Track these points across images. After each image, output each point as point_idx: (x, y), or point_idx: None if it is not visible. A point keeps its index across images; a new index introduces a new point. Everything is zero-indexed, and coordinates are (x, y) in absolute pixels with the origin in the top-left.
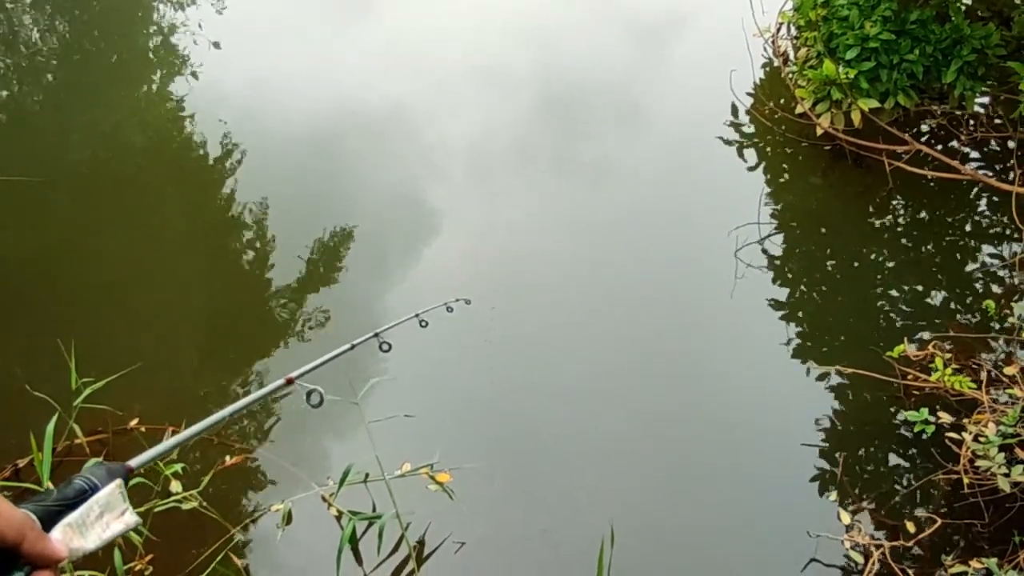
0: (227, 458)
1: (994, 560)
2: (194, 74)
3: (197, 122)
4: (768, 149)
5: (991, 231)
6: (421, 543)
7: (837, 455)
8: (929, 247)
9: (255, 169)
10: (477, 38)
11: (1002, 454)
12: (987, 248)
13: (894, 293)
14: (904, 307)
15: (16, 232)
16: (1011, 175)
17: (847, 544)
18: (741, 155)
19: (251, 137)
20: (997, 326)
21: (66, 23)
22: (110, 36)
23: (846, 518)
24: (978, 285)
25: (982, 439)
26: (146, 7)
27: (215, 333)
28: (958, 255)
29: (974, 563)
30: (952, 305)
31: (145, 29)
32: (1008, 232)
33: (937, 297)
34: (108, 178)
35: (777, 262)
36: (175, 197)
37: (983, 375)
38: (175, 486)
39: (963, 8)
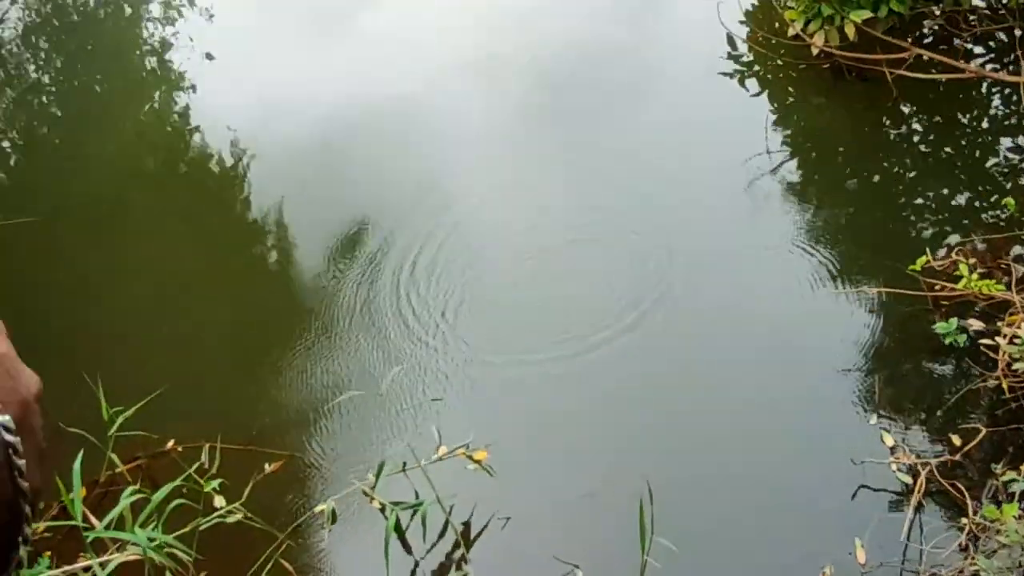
0: (266, 466)
1: None
2: (193, 88)
3: (204, 135)
4: (768, 76)
5: (1006, 124)
6: (467, 525)
7: (874, 376)
8: (947, 150)
9: (269, 175)
10: (468, 26)
11: None
12: (1006, 142)
13: (918, 202)
14: (930, 215)
15: (31, 271)
16: (1021, 66)
17: (893, 467)
18: (743, 84)
19: (261, 143)
20: None
21: (59, 55)
22: (104, 62)
23: (889, 440)
24: (1003, 180)
25: (1017, 340)
26: (135, 29)
27: (241, 345)
28: (977, 153)
29: None
30: (977, 204)
31: (137, 50)
32: None
33: (961, 199)
34: (120, 205)
35: (794, 188)
36: (191, 214)
37: (1013, 275)
38: (218, 501)
39: None
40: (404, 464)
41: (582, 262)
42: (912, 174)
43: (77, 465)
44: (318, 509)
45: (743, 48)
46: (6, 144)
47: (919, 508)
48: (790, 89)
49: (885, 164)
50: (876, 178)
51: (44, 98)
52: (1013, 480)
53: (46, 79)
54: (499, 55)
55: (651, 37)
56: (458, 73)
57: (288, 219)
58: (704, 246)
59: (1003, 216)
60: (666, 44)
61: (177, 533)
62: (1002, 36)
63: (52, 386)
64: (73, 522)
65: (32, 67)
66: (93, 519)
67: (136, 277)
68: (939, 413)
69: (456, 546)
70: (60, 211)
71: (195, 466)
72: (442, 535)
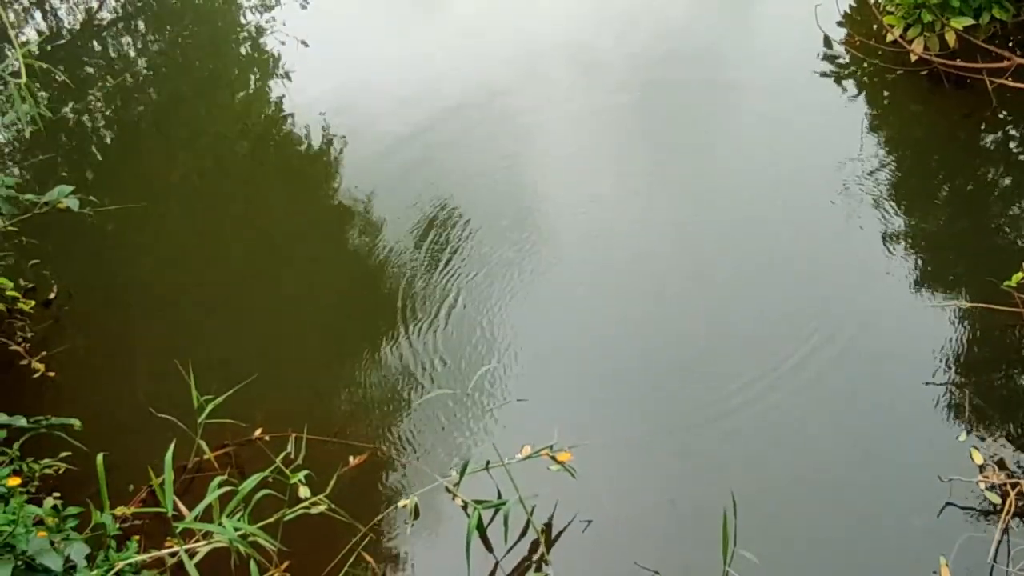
0: (351, 458)
1: None
2: (287, 75)
3: (296, 121)
4: (865, 79)
5: None
6: (548, 525)
7: (964, 391)
8: None
9: (361, 161)
10: (561, 16)
11: None
12: None
13: (1015, 213)
14: None
15: (127, 256)
16: None
17: (982, 485)
18: (840, 87)
19: (356, 129)
20: None
21: (160, 41)
22: (202, 47)
23: (979, 458)
24: None
25: None
26: (232, 14)
27: (331, 336)
28: None
29: None
30: None
31: (234, 36)
32: None
33: None
34: (214, 190)
35: (888, 194)
36: (285, 200)
37: None
38: (303, 491)
39: None
40: (488, 463)
41: (680, 272)
42: (1009, 185)
43: (169, 455)
44: (401, 504)
45: (840, 50)
46: (108, 131)
47: (1007, 529)
48: (886, 94)
49: (981, 174)
50: (971, 188)
51: (143, 84)
52: None
53: (144, 65)
54: (594, 51)
55: (749, 36)
56: (551, 66)
57: (381, 207)
58: (792, 251)
59: None
60: (764, 43)
61: (262, 523)
62: None
63: (145, 368)
64: (163, 509)
65: (132, 52)
66: (183, 507)
67: (229, 265)
68: None
69: (536, 547)
70: (160, 197)
71: (281, 456)
72: (523, 535)
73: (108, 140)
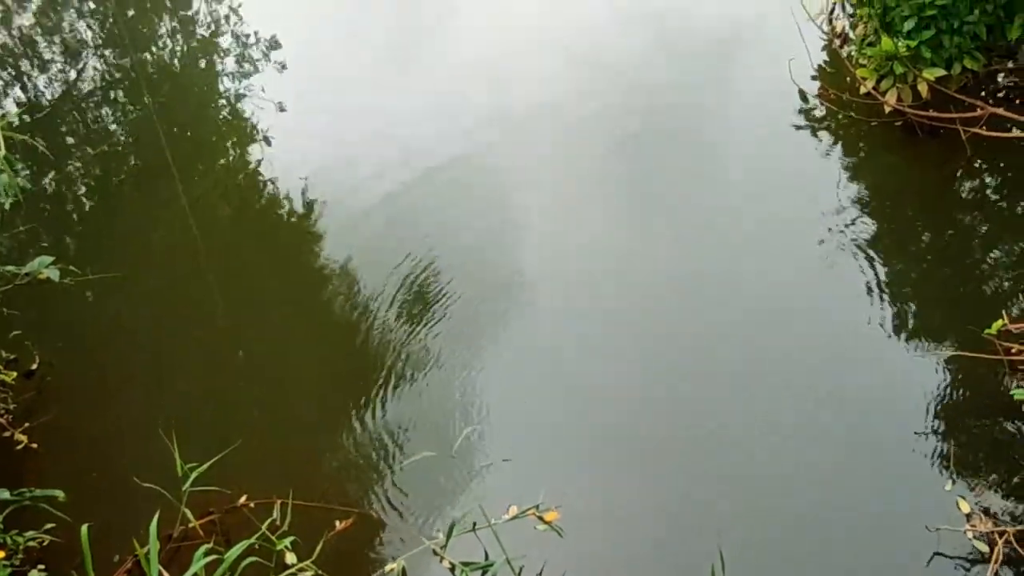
0: (337, 523)
1: None
2: (267, 139)
3: (277, 185)
4: (840, 132)
5: None
6: None
7: (948, 441)
8: (1022, 207)
9: (340, 225)
10: (538, 75)
11: None
12: None
13: (992, 261)
14: (1004, 275)
15: (108, 324)
16: None
17: (969, 534)
18: (815, 140)
19: (334, 192)
20: None
21: (139, 109)
22: (182, 115)
23: (965, 507)
24: None
25: None
26: (212, 81)
27: (314, 400)
28: None
29: None
30: None
31: (213, 102)
32: None
33: None
34: (195, 256)
35: (866, 244)
36: (265, 266)
37: None
38: (290, 558)
39: None
40: (474, 524)
41: (663, 327)
42: (986, 232)
43: (154, 525)
44: (388, 568)
45: (815, 104)
46: (88, 200)
47: None
48: (861, 145)
49: (958, 222)
50: (949, 236)
51: (122, 152)
52: None
53: (124, 134)
54: (575, 108)
55: (725, 91)
56: (531, 125)
57: (363, 269)
58: (774, 305)
59: None
60: (742, 99)
61: None
62: None
63: (129, 439)
64: None
65: (112, 123)
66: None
67: (211, 331)
68: (1017, 479)
69: None
70: (140, 264)
71: (267, 523)
72: None
73: (88, 208)
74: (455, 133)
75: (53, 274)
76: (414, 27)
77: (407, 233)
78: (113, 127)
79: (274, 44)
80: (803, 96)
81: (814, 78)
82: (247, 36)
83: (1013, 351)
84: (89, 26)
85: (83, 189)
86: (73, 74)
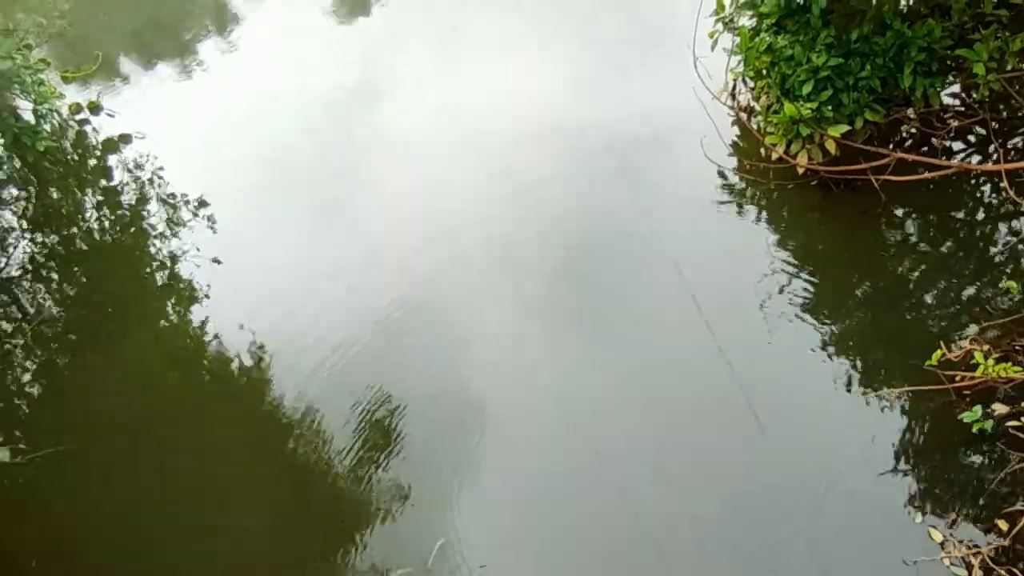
0: None
1: None
2: (207, 295)
3: (221, 342)
4: (763, 200)
5: (999, 212)
6: None
7: (912, 475)
8: (946, 245)
9: (285, 374)
10: (471, 206)
11: None
12: (1001, 229)
13: (925, 298)
14: (938, 310)
15: (59, 501)
16: (1000, 155)
17: (946, 562)
18: (740, 209)
19: (276, 341)
20: None
21: (73, 284)
22: (117, 284)
23: (938, 536)
24: (1003, 266)
25: None
26: (143, 247)
27: (280, 545)
28: (974, 244)
29: None
30: (982, 293)
31: (148, 267)
32: (1015, 208)
33: (967, 290)
34: (142, 424)
35: (804, 303)
36: (216, 425)
37: None
38: None
39: (903, 11)
40: None
41: (619, 429)
42: (915, 273)
43: None
44: None
45: (734, 178)
46: (29, 377)
47: None
48: (784, 209)
49: (887, 267)
50: (881, 282)
51: (60, 328)
52: None
53: (59, 309)
54: (507, 234)
55: (646, 190)
56: (462, 261)
57: (317, 416)
58: (732, 384)
59: (1009, 300)
60: (663, 192)
61: None
62: (979, 129)
63: None
64: None
65: (46, 299)
66: None
67: (163, 497)
68: (982, 501)
69: None
70: (85, 437)
71: None
72: None
73: (33, 389)
74: (393, 272)
75: (3, 455)
76: (341, 173)
77: (358, 376)
78: (48, 305)
79: (202, 203)
80: (721, 174)
81: (730, 154)
82: (173, 198)
83: (957, 379)
84: (13, 212)
85: (23, 371)
86: (2, 261)
